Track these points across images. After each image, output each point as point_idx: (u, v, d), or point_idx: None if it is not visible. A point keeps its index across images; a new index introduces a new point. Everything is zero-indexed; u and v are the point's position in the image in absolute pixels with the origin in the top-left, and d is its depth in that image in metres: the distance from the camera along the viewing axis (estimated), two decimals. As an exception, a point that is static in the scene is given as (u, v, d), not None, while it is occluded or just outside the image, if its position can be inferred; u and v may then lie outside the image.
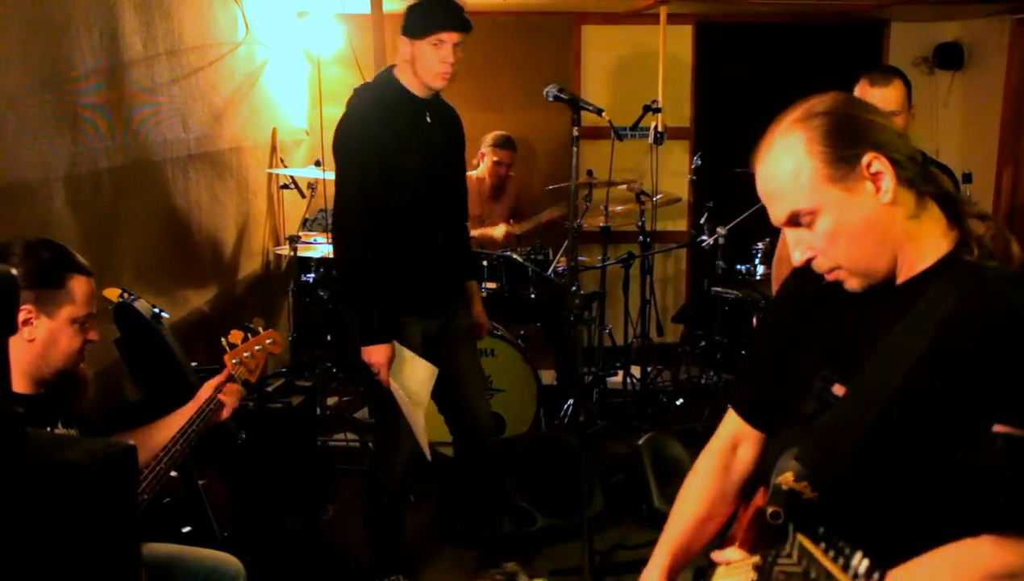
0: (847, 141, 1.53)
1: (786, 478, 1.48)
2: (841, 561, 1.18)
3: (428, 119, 3.44)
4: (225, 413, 2.66)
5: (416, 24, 3.31)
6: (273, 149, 5.49)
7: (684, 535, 1.84)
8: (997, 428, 1.40)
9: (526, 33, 6.45)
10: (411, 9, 3.36)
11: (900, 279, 1.58)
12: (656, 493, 4.17)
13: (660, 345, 5.94)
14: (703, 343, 5.57)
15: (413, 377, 3.46)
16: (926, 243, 1.57)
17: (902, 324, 1.52)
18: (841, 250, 1.55)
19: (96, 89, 3.37)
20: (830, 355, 1.65)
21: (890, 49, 6.60)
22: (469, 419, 3.70)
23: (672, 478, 4.29)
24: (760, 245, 5.21)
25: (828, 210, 1.53)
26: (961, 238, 1.57)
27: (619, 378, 5.69)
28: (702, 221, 5.44)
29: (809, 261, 1.59)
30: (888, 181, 1.52)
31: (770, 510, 1.46)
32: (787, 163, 1.55)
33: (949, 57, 6.45)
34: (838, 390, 1.60)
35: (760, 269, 5.22)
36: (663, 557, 1.83)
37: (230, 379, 2.70)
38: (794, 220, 1.56)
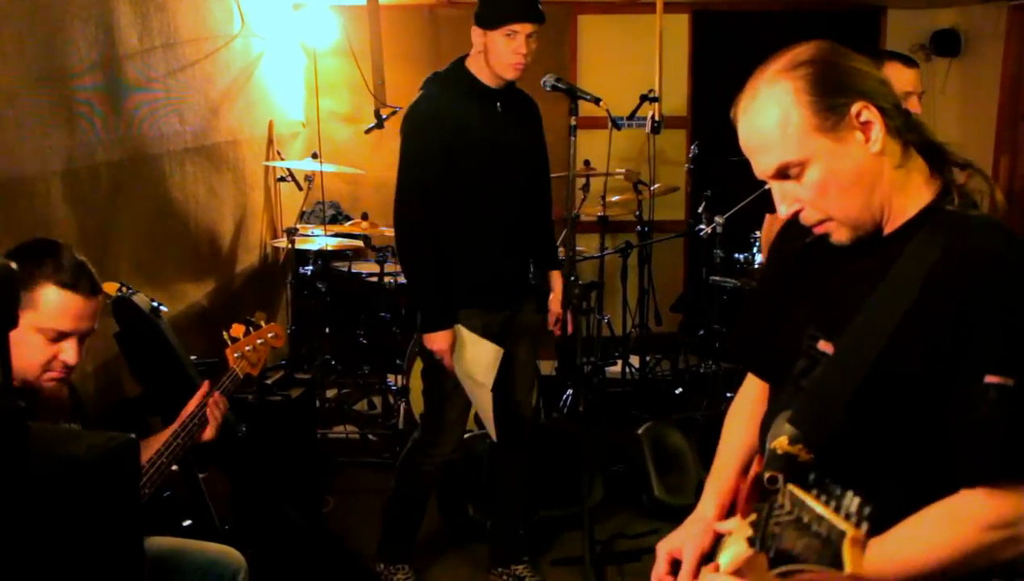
0: (835, 90, 1.50)
1: (780, 442, 1.46)
2: (833, 503, 1.18)
3: (499, 108, 3.41)
4: (208, 432, 2.55)
5: (489, 14, 3.29)
6: (270, 142, 5.49)
7: (739, 465, 1.82)
8: (988, 379, 1.41)
9: (522, 23, 6.43)
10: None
11: (887, 230, 1.57)
12: (656, 482, 4.18)
13: (659, 334, 5.94)
14: (701, 332, 5.57)
15: (478, 360, 3.45)
16: (911, 192, 1.56)
17: (887, 278, 1.51)
18: (831, 201, 1.53)
19: (92, 83, 3.36)
20: (817, 311, 1.64)
21: (887, 36, 6.59)
22: (509, 409, 3.66)
23: (672, 467, 4.30)
24: (758, 233, 5.20)
25: (817, 160, 1.50)
26: (944, 187, 1.56)
27: (618, 368, 5.70)
28: (700, 210, 5.43)
29: (796, 215, 1.57)
30: (878, 130, 1.50)
31: (767, 475, 1.45)
32: (774, 114, 1.51)
33: (946, 44, 6.44)
34: (824, 346, 1.58)
35: (758, 257, 5.22)
36: (718, 485, 1.82)
37: (221, 386, 2.65)
38: (783, 172, 1.53)
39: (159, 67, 3.93)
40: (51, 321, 2.13)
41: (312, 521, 3.87)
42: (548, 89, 3.45)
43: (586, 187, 5.53)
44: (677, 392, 5.60)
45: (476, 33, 3.33)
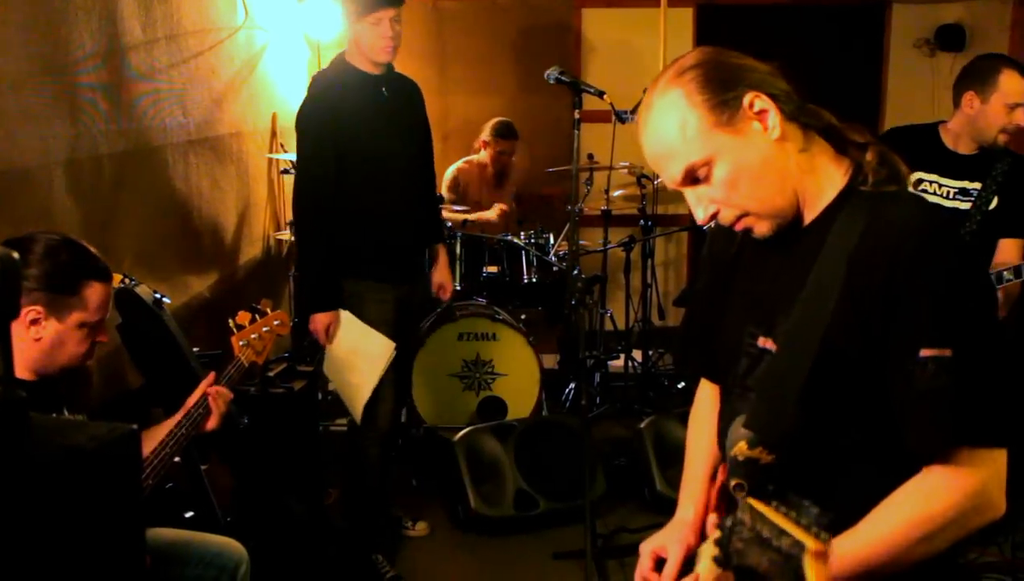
0: (724, 85, 1.51)
1: (740, 448, 1.47)
2: (793, 514, 1.17)
3: (385, 92, 3.61)
4: (212, 422, 2.56)
5: (352, 8, 3.50)
6: (273, 134, 5.48)
7: (708, 465, 1.83)
8: (924, 353, 1.41)
9: (526, 16, 6.43)
10: None
11: (807, 219, 1.57)
12: (658, 476, 4.18)
13: (662, 328, 5.94)
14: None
15: (368, 351, 3.66)
16: (822, 176, 1.57)
17: (815, 267, 1.51)
18: (743, 194, 1.53)
19: (96, 74, 3.35)
20: (752, 309, 1.64)
21: (891, 31, 6.57)
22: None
23: (674, 461, 4.29)
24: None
25: (722, 157, 1.51)
26: (855, 168, 1.57)
27: (621, 362, 5.70)
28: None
29: (714, 218, 1.56)
30: (774, 117, 1.51)
31: (733, 483, 1.46)
32: (672, 120, 1.52)
33: (951, 39, 6.42)
34: (765, 343, 1.59)
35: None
36: (693, 492, 1.82)
37: (226, 375, 2.66)
38: (691, 176, 1.53)
39: (162, 59, 3.92)
40: (95, 314, 2.29)
41: (314, 513, 3.87)
42: (552, 82, 3.46)
43: (589, 181, 5.52)
44: (680, 386, 5.60)
45: (346, 27, 3.58)
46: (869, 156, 1.55)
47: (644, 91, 1.62)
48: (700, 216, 1.56)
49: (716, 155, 1.51)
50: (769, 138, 1.51)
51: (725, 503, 1.61)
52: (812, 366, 1.46)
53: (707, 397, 1.90)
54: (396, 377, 3.80)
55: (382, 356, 3.67)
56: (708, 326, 1.79)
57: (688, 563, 1.70)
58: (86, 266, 2.27)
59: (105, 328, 2.36)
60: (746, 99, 1.51)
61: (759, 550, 1.20)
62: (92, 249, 2.33)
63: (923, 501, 1.43)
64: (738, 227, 1.57)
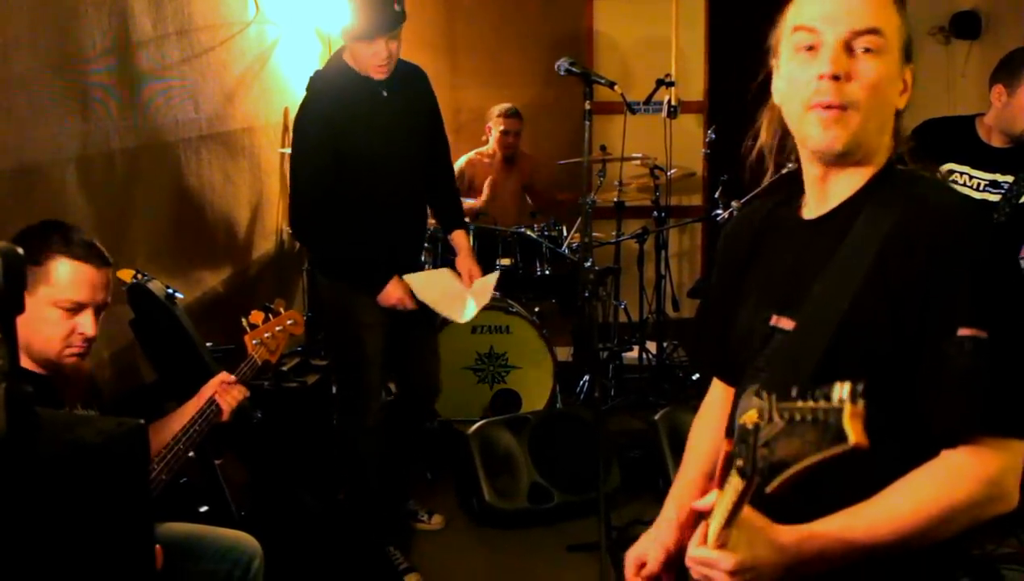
0: (910, 41, 1.54)
1: (750, 416, 1.45)
2: (822, 399, 1.11)
3: (384, 93, 3.52)
4: (224, 415, 2.56)
5: (348, 29, 3.45)
6: (285, 129, 5.48)
7: (704, 473, 1.81)
8: (962, 331, 1.38)
9: (538, 7, 6.40)
10: (351, 10, 3.46)
11: (847, 193, 1.55)
12: (673, 468, 4.16)
13: (676, 320, 5.91)
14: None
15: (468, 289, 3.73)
16: (882, 143, 1.55)
17: (843, 246, 1.49)
18: (871, 100, 1.48)
19: (107, 70, 3.36)
20: (769, 292, 1.62)
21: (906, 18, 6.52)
22: (426, 382, 3.93)
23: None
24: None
25: (890, 54, 1.50)
26: (894, 151, 1.57)
27: (635, 353, 5.68)
28: (716, 195, 5.40)
29: (834, 78, 1.47)
30: (908, 94, 1.54)
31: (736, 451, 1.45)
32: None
33: (966, 26, 6.36)
34: (780, 322, 1.57)
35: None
36: (679, 491, 1.81)
37: (239, 373, 2.66)
38: (868, 36, 1.47)
39: (173, 54, 3.92)
40: (66, 292, 2.19)
41: (328, 507, 3.88)
42: (563, 73, 3.44)
43: (602, 172, 5.51)
44: (694, 378, 5.58)
45: (343, 36, 3.50)
46: (906, 147, 1.57)
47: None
48: (829, 69, 1.46)
49: (891, 49, 1.50)
50: (897, 102, 1.54)
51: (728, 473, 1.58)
52: (829, 341, 1.45)
53: (715, 400, 1.89)
54: (383, 374, 3.77)
55: (484, 292, 3.74)
56: (721, 322, 1.77)
57: (672, 562, 1.68)
58: (55, 241, 2.20)
59: (94, 320, 2.26)
60: (910, 68, 1.53)
61: (788, 440, 1.14)
62: (85, 237, 2.28)
63: (945, 485, 1.40)
64: (831, 113, 1.47)
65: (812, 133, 1.51)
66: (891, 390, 1.44)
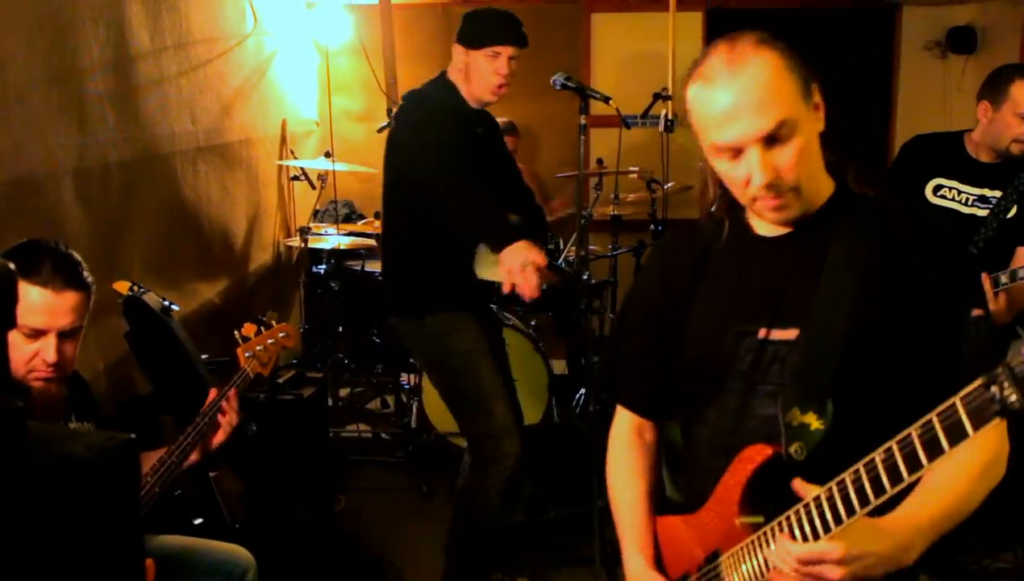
0: (802, 67, 1.57)
1: (794, 414, 1.51)
2: None
3: (479, 131, 3.39)
4: (220, 435, 2.53)
5: (473, 34, 3.26)
6: (283, 140, 5.49)
7: (644, 514, 1.89)
8: (976, 312, 1.52)
9: (535, 21, 6.40)
10: (468, 18, 3.31)
11: (808, 213, 1.63)
12: (668, 482, 4.15)
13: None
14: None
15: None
16: (825, 176, 1.64)
17: (829, 260, 1.58)
18: (804, 169, 1.56)
19: (104, 82, 3.37)
20: (746, 308, 1.66)
21: (902, 33, 6.55)
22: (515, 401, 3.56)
23: (684, 467, 4.27)
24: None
25: (802, 126, 1.54)
26: (839, 177, 1.66)
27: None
28: (713, 209, 5.40)
29: (770, 186, 1.55)
30: (823, 111, 1.59)
31: (793, 447, 1.50)
32: (771, 75, 1.53)
33: (962, 41, 6.38)
34: (773, 334, 1.62)
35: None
36: (636, 538, 1.87)
37: (231, 385, 2.62)
38: (778, 131, 1.53)
39: (171, 67, 3.93)
40: (21, 319, 2.07)
41: (324, 520, 3.87)
42: (558, 88, 3.44)
43: (599, 186, 5.51)
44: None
45: (458, 51, 3.29)
46: (851, 172, 1.65)
47: (699, 61, 1.63)
48: (761, 179, 1.54)
49: (801, 123, 1.54)
50: (819, 129, 1.59)
51: (752, 500, 1.59)
52: (844, 346, 1.52)
53: (626, 435, 1.96)
54: (510, 400, 3.44)
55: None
56: (653, 350, 1.83)
57: None
58: (20, 262, 1.99)
59: (55, 346, 2.15)
60: (814, 86, 1.58)
61: None
62: (67, 254, 2.19)
63: (974, 449, 1.42)
64: (777, 202, 1.57)
65: (763, 216, 1.64)
66: (905, 376, 1.53)
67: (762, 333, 1.62)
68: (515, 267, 3.02)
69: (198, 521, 2.87)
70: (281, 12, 5.43)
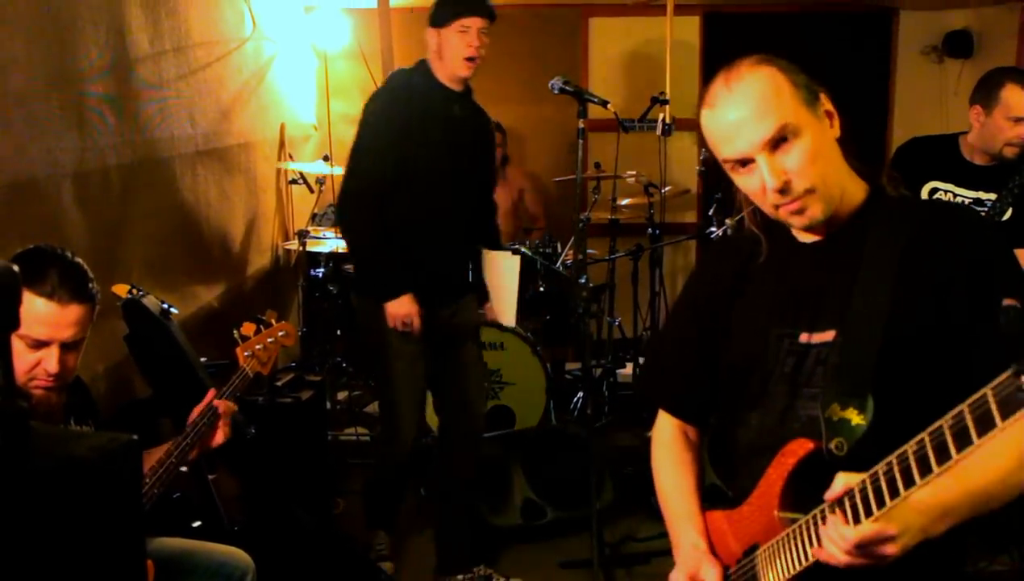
0: (807, 79, 1.64)
1: (834, 409, 1.55)
2: None
3: (456, 111, 3.47)
4: (218, 437, 2.51)
5: (442, 13, 3.38)
6: (281, 144, 5.50)
7: (698, 503, 1.89)
8: (1007, 302, 1.49)
9: (533, 25, 6.43)
10: (438, 1, 3.42)
11: (841, 218, 1.67)
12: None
13: (670, 337, 5.90)
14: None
15: (496, 269, 3.73)
16: (852, 182, 1.69)
17: (865, 261, 1.62)
18: (817, 171, 1.60)
19: (103, 86, 3.37)
20: (786, 314, 1.71)
21: (899, 37, 6.57)
22: (464, 412, 3.77)
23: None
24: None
25: (807, 129, 1.59)
26: (872, 182, 1.70)
27: (629, 370, 5.68)
28: (711, 213, 5.42)
29: (784, 188, 1.60)
30: (836, 120, 1.65)
31: (834, 442, 1.53)
32: (769, 85, 1.60)
33: (959, 45, 6.40)
34: (814, 338, 1.66)
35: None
36: (695, 525, 1.85)
37: (231, 385, 2.62)
38: (780, 137, 1.58)
39: (170, 70, 3.94)
40: (24, 328, 2.06)
41: (322, 523, 3.88)
42: (556, 92, 3.46)
43: (596, 190, 5.53)
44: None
45: (430, 34, 3.42)
46: (885, 177, 1.70)
47: (704, 92, 1.69)
48: (773, 184, 1.60)
49: (805, 127, 1.59)
50: (832, 135, 1.64)
51: (792, 495, 1.61)
52: (882, 345, 1.55)
53: (669, 436, 2.02)
54: (418, 396, 3.69)
55: (511, 269, 3.71)
56: (693, 357, 1.88)
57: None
58: (27, 272, 2.05)
59: (57, 356, 2.14)
60: (822, 95, 1.64)
61: None
62: (76, 263, 2.18)
63: (1016, 429, 1.45)
64: (796, 206, 1.62)
65: (790, 222, 1.68)
66: (944, 369, 1.55)
67: (804, 337, 1.67)
68: (396, 322, 3.38)
69: (197, 524, 2.87)
70: (280, 16, 5.44)
